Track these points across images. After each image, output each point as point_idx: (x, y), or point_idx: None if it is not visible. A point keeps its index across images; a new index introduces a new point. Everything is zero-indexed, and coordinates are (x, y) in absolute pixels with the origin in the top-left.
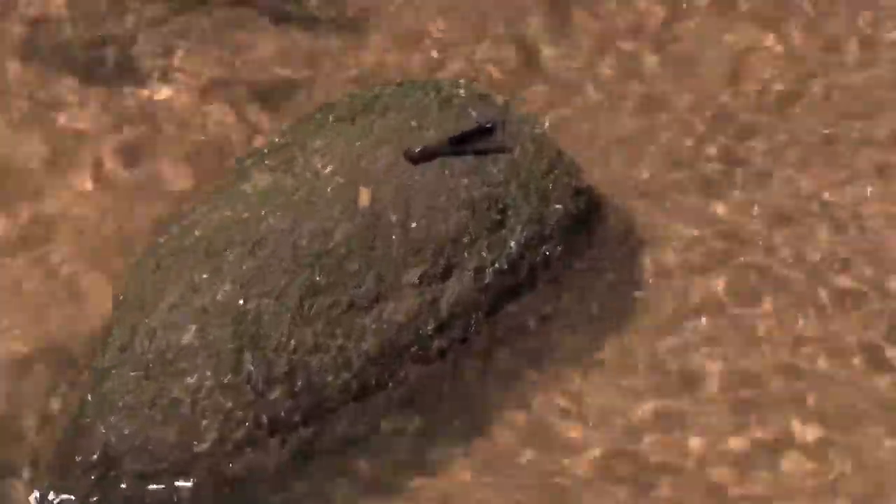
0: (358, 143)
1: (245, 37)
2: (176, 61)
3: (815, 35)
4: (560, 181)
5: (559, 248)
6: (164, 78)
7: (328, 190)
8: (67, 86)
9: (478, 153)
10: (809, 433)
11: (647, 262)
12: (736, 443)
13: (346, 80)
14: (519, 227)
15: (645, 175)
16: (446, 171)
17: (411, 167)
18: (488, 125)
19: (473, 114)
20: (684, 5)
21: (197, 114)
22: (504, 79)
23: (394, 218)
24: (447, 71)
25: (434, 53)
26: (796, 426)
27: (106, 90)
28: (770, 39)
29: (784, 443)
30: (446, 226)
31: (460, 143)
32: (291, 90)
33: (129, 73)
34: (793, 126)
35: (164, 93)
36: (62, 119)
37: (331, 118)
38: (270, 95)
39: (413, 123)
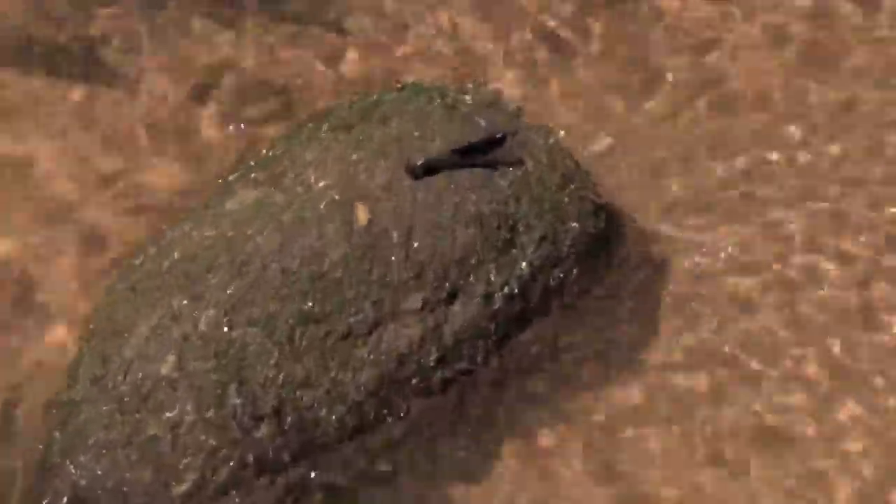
0: (355, 155)
1: (230, 38)
2: (155, 63)
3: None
4: (576, 196)
5: (575, 271)
6: (143, 81)
7: (322, 206)
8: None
9: (486, 166)
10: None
11: (668, 287)
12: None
13: (342, 85)
14: (531, 247)
15: (667, 194)
16: (451, 186)
17: (413, 181)
18: (498, 135)
19: (482, 122)
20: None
21: (178, 121)
22: (515, 86)
23: (394, 237)
24: (451, 75)
25: (439, 56)
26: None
27: (80, 91)
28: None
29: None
30: (451, 246)
31: (467, 155)
32: (282, 96)
33: (116, 74)
34: (820, 150)
35: (142, 97)
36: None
37: (325, 127)
38: (259, 102)
39: (415, 133)
